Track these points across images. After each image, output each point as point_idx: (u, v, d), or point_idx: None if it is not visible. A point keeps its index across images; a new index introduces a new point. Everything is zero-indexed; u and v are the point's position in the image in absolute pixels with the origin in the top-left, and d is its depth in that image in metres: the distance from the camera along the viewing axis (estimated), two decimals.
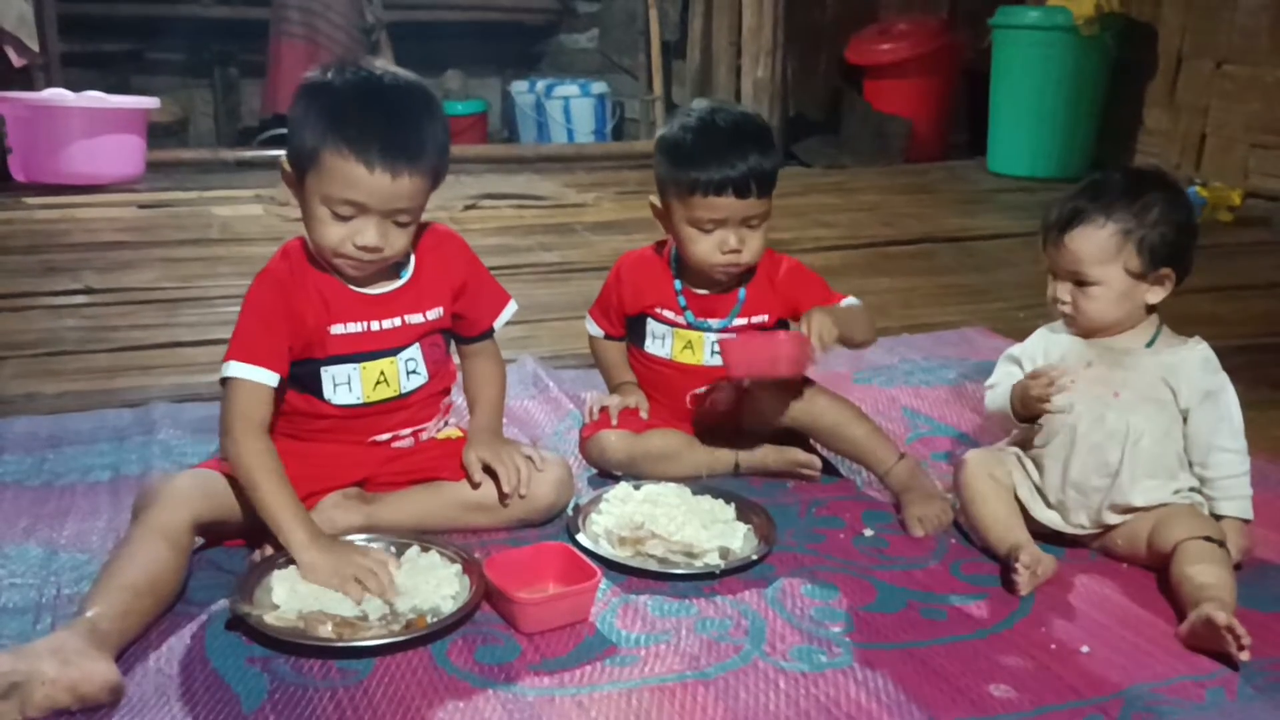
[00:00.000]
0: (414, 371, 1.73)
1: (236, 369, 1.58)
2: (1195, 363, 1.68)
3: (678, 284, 1.97)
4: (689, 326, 1.96)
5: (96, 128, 4.39)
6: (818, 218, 4.23)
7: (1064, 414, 1.69)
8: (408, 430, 1.76)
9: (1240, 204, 4.31)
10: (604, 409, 1.96)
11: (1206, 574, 1.52)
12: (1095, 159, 5.19)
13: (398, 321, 1.70)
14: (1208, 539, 1.57)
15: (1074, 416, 1.68)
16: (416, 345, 1.73)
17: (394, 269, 1.69)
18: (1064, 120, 5.08)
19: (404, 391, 1.72)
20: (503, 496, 1.71)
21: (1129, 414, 1.66)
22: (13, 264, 3.33)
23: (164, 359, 2.56)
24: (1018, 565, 1.57)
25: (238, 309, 1.64)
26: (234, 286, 3.11)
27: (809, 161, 5.46)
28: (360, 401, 1.69)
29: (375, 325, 1.68)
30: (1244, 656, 1.41)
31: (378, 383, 1.70)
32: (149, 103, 4.68)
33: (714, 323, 1.95)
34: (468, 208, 4.21)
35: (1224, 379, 1.69)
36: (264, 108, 5.81)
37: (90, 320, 2.84)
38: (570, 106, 6.40)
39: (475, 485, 1.71)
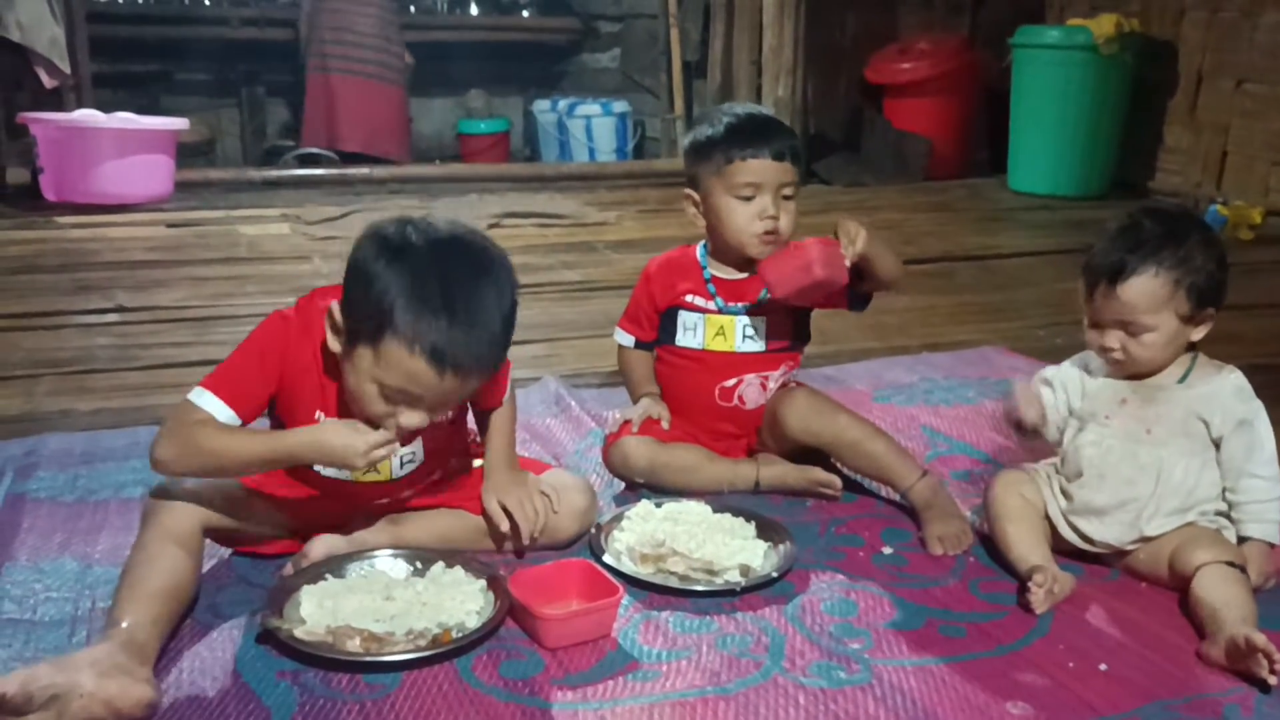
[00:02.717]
0: (409, 461, 1.67)
1: (208, 401, 1.52)
2: (1228, 392, 1.69)
3: (707, 273, 2.01)
4: (719, 312, 2.00)
5: (127, 148, 4.46)
6: None
7: (1094, 447, 1.71)
8: (407, 492, 1.73)
9: (1261, 222, 4.31)
10: (626, 421, 2.00)
11: (1227, 597, 1.54)
12: (1116, 177, 5.20)
13: None
14: (1230, 564, 1.59)
15: (1104, 450, 1.70)
16: (417, 440, 1.65)
17: None
18: (1085, 138, 5.09)
19: (395, 477, 1.68)
20: (519, 550, 1.73)
21: (1161, 449, 1.68)
22: (46, 283, 3.39)
23: (194, 377, 2.52)
24: (1032, 585, 1.59)
25: None
26: (262, 305, 3.15)
27: (829, 180, 5.48)
28: (348, 478, 1.65)
29: None
30: (1273, 680, 1.42)
31: (367, 471, 1.63)
32: (178, 123, 4.74)
33: (742, 306, 1.99)
34: (490, 226, 4.25)
35: (1257, 406, 1.71)
36: (304, 141, 5.84)
37: (122, 338, 2.89)
38: (592, 125, 6.45)
39: (498, 541, 1.72)
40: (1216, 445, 1.69)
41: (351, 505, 1.70)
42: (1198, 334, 1.68)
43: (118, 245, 3.92)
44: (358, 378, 1.50)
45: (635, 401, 2.07)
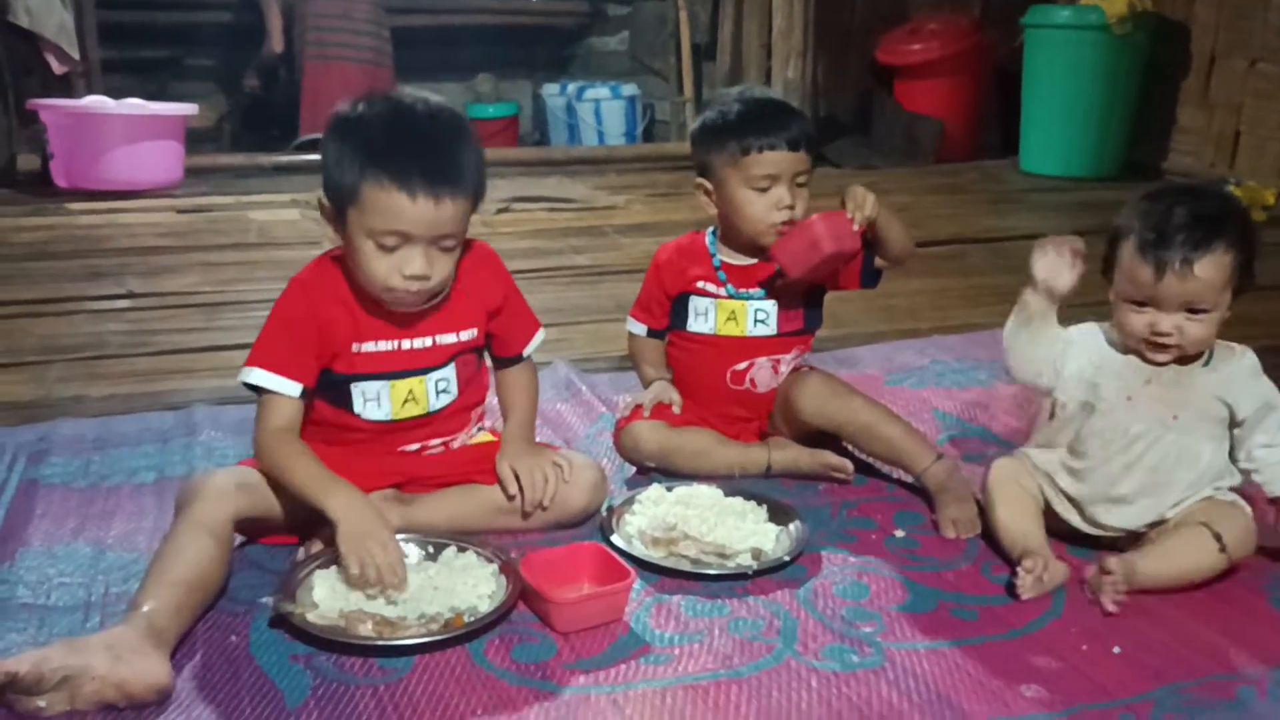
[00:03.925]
0: (444, 391, 1.75)
1: (259, 377, 1.62)
2: (1245, 372, 1.67)
3: (716, 260, 2.01)
4: (730, 298, 2.00)
5: (136, 134, 4.46)
6: None
7: (1116, 434, 1.68)
8: (437, 441, 1.78)
9: (1274, 203, 4.28)
10: (638, 405, 2.00)
11: (1176, 549, 1.61)
12: (1129, 158, 5.17)
13: (429, 341, 1.71)
14: (1213, 534, 1.60)
15: (1130, 438, 1.67)
16: (451, 365, 1.74)
17: None
18: (1097, 119, 5.06)
19: (432, 410, 1.74)
20: (526, 515, 1.74)
21: (1186, 436, 1.66)
22: (57, 269, 3.39)
23: (205, 362, 2.61)
24: (1020, 570, 1.59)
25: None
26: (272, 291, 3.09)
27: (840, 163, 5.46)
28: (389, 418, 1.72)
29: (405, 344, 1.70)
30: (1111, 608, 1.54)
31: (406, 400, 1.72)
32: (187, 109, 4.74)
33: (755, 291, 1.99)
34: (500, 211, 4.25)
35: (1271, 385, 1.69)
36: (302, 130, 5.82)
37: (133, 324, 2.90)
38: (601, 109, 6.43)
39: (510, 498, 1.74)
40: (1237, 426, 1.67)
41: (385, 454, 1.73)
42: (1229, 311, 1.65)
43: (129, 231, 3.92)
44: (355, 242, 1.59)
45: (646, 387, 2.07)
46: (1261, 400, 1.66)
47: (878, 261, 1.98)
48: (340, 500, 1.55)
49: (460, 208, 1.60)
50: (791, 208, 1.92)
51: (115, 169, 4.42)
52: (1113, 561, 1.57)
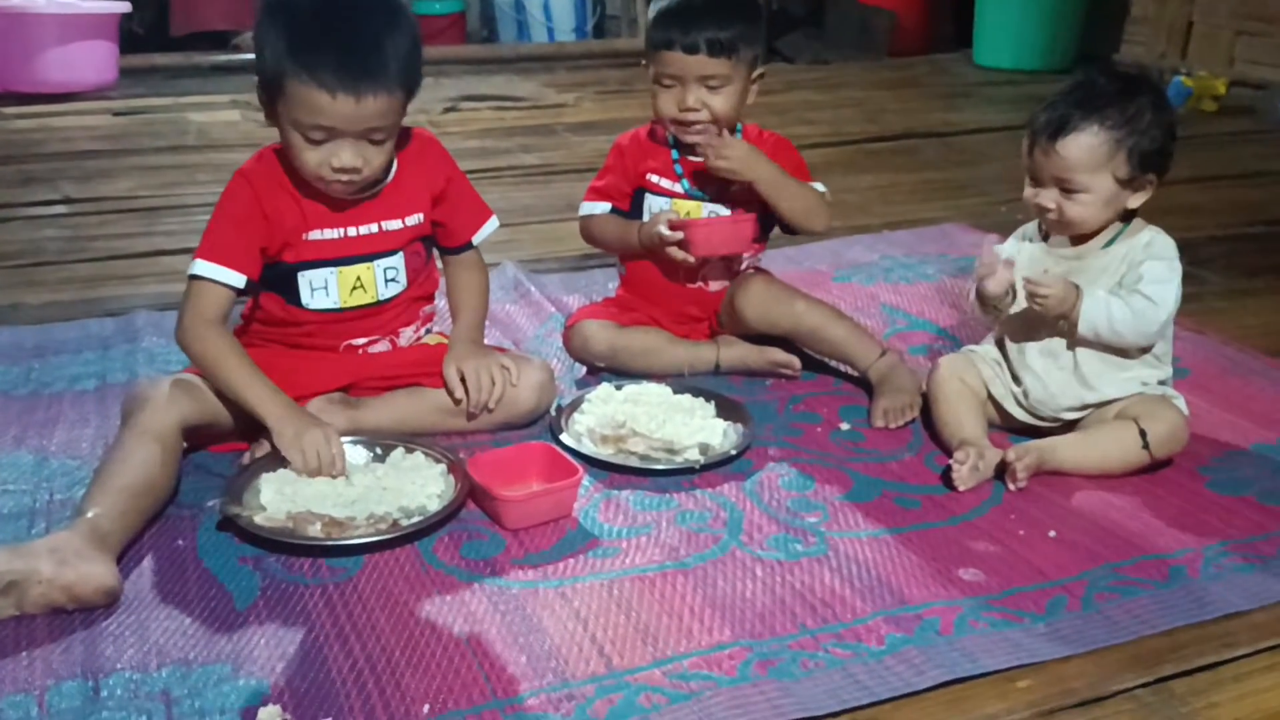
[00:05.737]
0: (393, 280, 1.74)
1: (203, 268, 1.61)
2: (1139, 249, 1.68)
3: (674, 153, 1.99)
4: (686, 196, 1.98)
5: (69, 34, 4.32)
6: (800, 115, 4.20)
7: (1021, 320, 1.71)
8: (384, 336, 1.78)
9: (1225, 93, 4.29)
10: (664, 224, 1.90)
11: (1097, 443, 1.65)
12: (1082, 50, 5.14)
13: (374, 228, 1.70)
14: (1140, 429, 1.62)
15: (1028, 326, 1.71)
16: (400, 254, 1.73)
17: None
18: (1051, 10, 5.02)
19: (381, 299, 1.73)
20: (471, 415, 1.74)
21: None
22: None
23: (145, 268, 2.56)
24: (954, 462, 1.62)
25: None
26: (212, 194, 3.00)
27: (792, 57, 5.39)
28: (336, 307, 1.71)
29: (352, 231, 1.69)
30: (1012, 486, 1.60)
31: (354, 288, 1.71)
32: (120, 7, 4.58)
33: (709, 191, 1.97)
34: (447, 110, 4.16)
35: (1162, 259, 1.66)
36: (175, 26, 5.44)
37: (70, 230, 2.83)
38: (550, 4, 6.27)
39: (455, 401, 1.73)
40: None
41: (332, 352, 1.73)
42: (1135, 200, 1.67)
43: (63, 135, 3.81)
44: (285, 134, 1.59)
45: (631, 247, 1.98)
46: (1139, 269, 1.66)
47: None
48: (270, 404, 1.57)
49: (385, 102, 1.56)
50: (694, 110, 1.89)
51: (48, 70, 4.29)
52: (1014, 451, 1.61)
